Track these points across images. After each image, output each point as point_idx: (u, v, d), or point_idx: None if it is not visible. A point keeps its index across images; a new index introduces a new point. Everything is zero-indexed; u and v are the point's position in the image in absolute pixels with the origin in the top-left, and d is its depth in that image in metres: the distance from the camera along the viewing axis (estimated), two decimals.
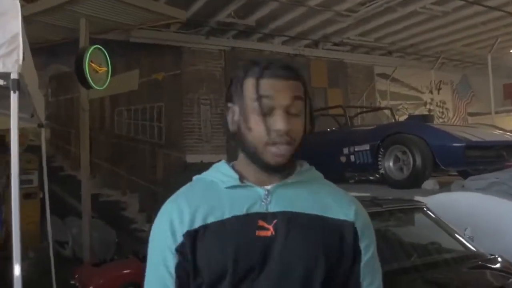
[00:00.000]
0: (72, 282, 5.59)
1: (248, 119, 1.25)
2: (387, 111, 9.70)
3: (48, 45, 8.42)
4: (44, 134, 5.82)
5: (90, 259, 6.89)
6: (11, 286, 2.69)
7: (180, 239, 1.25)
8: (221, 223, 1.24)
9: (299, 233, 1.23)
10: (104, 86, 7.19)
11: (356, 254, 1.29)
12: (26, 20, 2.77)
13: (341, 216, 1.30)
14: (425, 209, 3.74)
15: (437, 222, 3.72)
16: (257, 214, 1.25)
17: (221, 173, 1.36)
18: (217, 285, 1.20)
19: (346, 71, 12.74)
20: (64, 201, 8.57)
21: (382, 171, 6.43)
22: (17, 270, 2.66)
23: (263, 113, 1.23)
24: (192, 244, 1.23)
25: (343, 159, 7.21)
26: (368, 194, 4.74)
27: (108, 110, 9.64)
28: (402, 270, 3.01)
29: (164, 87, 10.27)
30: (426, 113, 13.40)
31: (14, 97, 2.52)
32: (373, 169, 6.79)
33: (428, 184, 5.94)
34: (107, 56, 7.17)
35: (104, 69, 7.13)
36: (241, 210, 1.26)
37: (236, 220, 1.24)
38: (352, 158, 7.03)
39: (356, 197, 1.45)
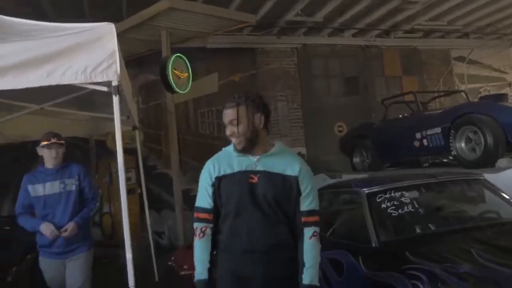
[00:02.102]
0: (170, 263, 6.30)
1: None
2: (463, 94, 9.60)
3: (136, 57, 9.35)
4: (138, 135, 6.64)
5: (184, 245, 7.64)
6: (121, 268, 3.32)
7: (213, 180, 2.49)
8: (232, 174, 2.46)
9: (269, 182, 2.41)
10: (187, 90, 7.93)
11: (299, 191, 2.42)
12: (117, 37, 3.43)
13: (291, 173, 2.42)
14: (483, 180, 3.95)
15: (496, 193, 3.93)
16: (250, 171, 2.44)
17: (229, 148, 2.53)
18: (228, 204, 2.43)
19: (421, 58, 12.63)
20: (159, 197, 9.47)
21: (454, 152, 6.52)
22: (128, 254, 3.27)
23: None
24: (218, 183, 2.48)
25: (416, 143, 7.34)
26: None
27: (192, 112, 10.46)
28: (452, 231, 3.32)
29: (242, 87, 10.88)
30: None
31: (115, 100, 3.18)
32: (446, 152, 6.87)
33: (502, 162, 5.99)
34: (187, 62, 7.90)
35: (186, 74, 7.87)
36: (242, 168, 2.45)
37: (239, 173, 2.45)
38: (425, 142, 7.16)
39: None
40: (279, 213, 2.38)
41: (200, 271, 2.44)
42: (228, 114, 2.45)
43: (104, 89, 3.22)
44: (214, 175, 2.47)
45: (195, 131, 10.44)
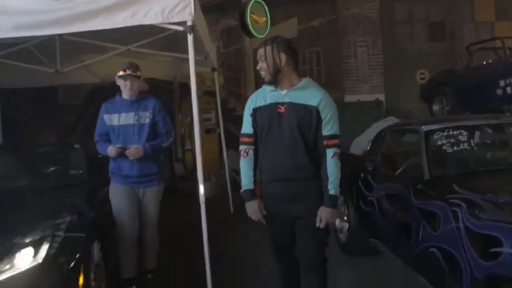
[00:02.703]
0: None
1: None
2: None
3: (218, 3, 9.66)
4: (217, 77, 7.05)
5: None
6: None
7: (251, 110, 2.96)
8: (265, 106, 2.91)
9: (293, 111, 2.83)
10: (265, 34, 8.15)
11: (319, 119, 2.80)
12: None
13: (312, 103, 2.81)
14: None
15: None
16: (279, 102, 2.87)
17: (266, 85, 2.95)
18: (262, 131, 2.91)
19: None
20: (238, 137, 9.94)
21: None
22: (201, 188, 3.70)
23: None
24: (255, 113, 2.94)
25: (499, 91, 7.10)
26: None
27: None
28: (504, 170, 3.42)
29: (321, 32, 10.91)
30: None
31: (190, 38, 3.55)
32: None
33: None
34: (266, 7, 8.09)
35: (264, 19, 8.09)
36: (273, 100, 2.89)
37: (270, 104, 2.90)
38: (509, 90, 6.91)
39: None
40: (299, 139, 2.82)
41: (246, 183, 2.98)
42: (259, 52, 2.91)
43: (180, 28, 3.59)
44: (252, 107, 2.96)
45: None
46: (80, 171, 4.64)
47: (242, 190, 3.00)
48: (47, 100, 9.78)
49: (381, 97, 11.13)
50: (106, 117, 3.93)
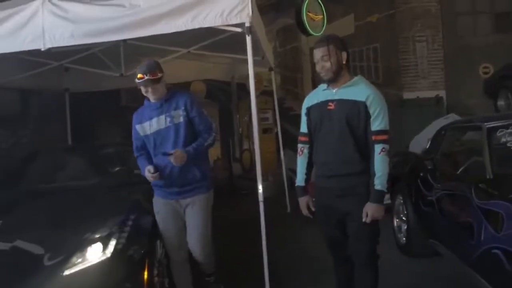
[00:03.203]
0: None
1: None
2: None
3: (274, 2, 9.74)
4: (274, 76, 7.12)
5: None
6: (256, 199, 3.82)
7: (305, 110, 3.10)
8: (317, 104, 3.03)
9: (342, 107, 2.91)
10: (321, 32, 8.16)
11: (367, 114, 2.86)
12: None
13: (360, 99, 2.87)
14: None
15: None
16: (329, 100, 2.97)
17: (322, 84, 3.05)
18: (315, 128, 3.02)
19: None
20: (295, 137, 9.99)
21: None
22: (260, 187, 3.83)
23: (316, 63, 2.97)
24: (309, 112, 3.08)
25: None
26: None
27: None
28: None
29: (378, 28, 10.73)
30: None
31: (248, 40, 3.65)
32: None
33: None
34: (322, 5, 8.08)
35: (320, 16, 8.09)
36: (324, 98, 2.99)
37: (321, 102, 3.00)
38: None
39: None
40: (348, 134, 2.88)
41: (299, 179, 3.17)
42: (320, 51, 2.90)
43: (238, 30, 3.70)
44: (306, 106, 3.10)
45: None
46: None
47: (296, 185, 3.18)
48: (112, 102, 10.25)
49: (442, 93, 10.79)
50: (138, 127, 3.52)
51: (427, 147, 4.80)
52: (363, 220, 2.82)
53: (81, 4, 3.69)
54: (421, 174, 4.40)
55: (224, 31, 4.11)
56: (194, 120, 3.47)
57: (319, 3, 8.10)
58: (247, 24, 3.60)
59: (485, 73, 10.65)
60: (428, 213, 4.14)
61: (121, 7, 3.62)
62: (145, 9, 3.61)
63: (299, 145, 3.16)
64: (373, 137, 2.84)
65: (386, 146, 2.83)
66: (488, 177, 3.32)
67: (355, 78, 2.95)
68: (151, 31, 3.65)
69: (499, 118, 3.82)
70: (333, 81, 2.91)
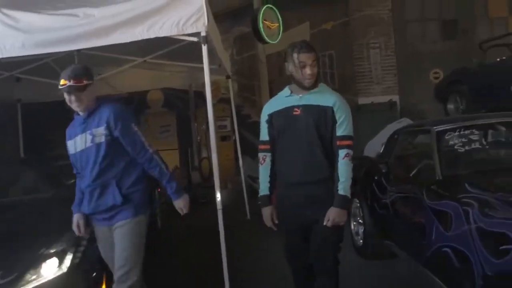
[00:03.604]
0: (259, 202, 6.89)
1: (295, 70, 2.91)
2: None
3: (231, 10, 9.79)
4: (231, 84, 7.15)
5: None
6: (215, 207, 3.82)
7: (267, 117, 3.04)
8: (281, 110, 2.98)
9: (309, 112, 2.90)
10: (277, 40, 8.27)
11: (334, 120, 2.88)
12: None
13: (327, 104, 2.89)
14: None
15: None
16: (294, 105, 2.94)
17: (284, 91, 3.05)
18: (279, 134, 2.97)
19: None
20: (253, 144, 10.06)
21: None
22: (218, 195, 3.82)
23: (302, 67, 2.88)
24: (271, 118, 3.02)
25: None
26: None
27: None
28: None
29: (333, 35, 10.96)
30: None
31: (204, 49, 3.68)
32: None
33: None
34: (278, 13, 8.20)
35: (276, 25, 8.20)
36: (289, 104, 2.96)
37: (286, 108, 2.96)
38: None
39: None
40: (316, 139, 2.88)
41: (263, 188, 3.06)
42: (312, 56, 2.89)
43: (194, 39, 3.72)
44: (267, 113, 3.04)
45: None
46: None
47: (259, 195, 3.08)
48: (65, 112, 10.01)
49: (395, 98, 11.12)
50: (68, 144, 3.10)
51: (381, 151, 4.95)
52: (324, 223, 2.82)
53: (33, 14, 3.61)
54: (376, 178, 4.53)
55: (181, 40, 4.11)
56: (121, 141, 2.95)
57: (274, 11, 8.21)
58: (202, 34, 3.64)
59: (436, 78, 11.05)
60: (383, 216, 4.27)
61: (74, 16, 3.58)
62: (99, 19, 3.58)
63: (261, 154, 3.08)
64: (338, 142, 2.86)
65: (350, 152, 2.86)
66: (438, 178, 3.46)
67: (320, 85, 2.98)
68: (106, 41, 3.62)
69: (447, 122, 3.99)
70: (312, 87, 2.91)
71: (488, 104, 7.95)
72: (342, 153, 2.85)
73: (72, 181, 4.95)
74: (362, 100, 11.00)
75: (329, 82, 11.02)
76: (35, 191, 4.75)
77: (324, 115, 2.86)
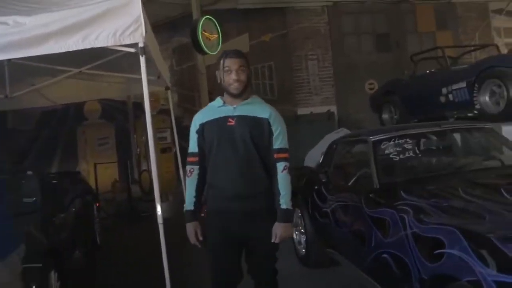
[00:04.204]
0: (202, 215, 6.82)
1: (222, 76, 2.85)
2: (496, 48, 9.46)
3: (169, 21, 9.71)
4: (171, 95, 7.06)
5: None
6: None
7: (198, 127, 2.88)
8: (213, 120, 2.85)
9: (245, 123, 2.81)
10: (217, 51, 8.26)
11: (270, 132, 2.83)
12: (149, 1, 3.76)
13: (263, 116, 2.84)
14: (489, 129, 4.17)
15: (503, 142, 4.15)
16: (228, 116, 2.83)
17: (216, 101, 2.94)
18: (211, 145, 2.82)
19: (456, 12, 12.41)
20: None
21: (478, 106, 6.59)
22: (158, 209, 3.69)
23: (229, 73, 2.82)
24: (202, 128, 2.86)
25: (442, 99, 7.41)
26: None
27: None
28: (448, 174, 3.63)
29: (272, 47, 11.14)
30: None
31: (142, 60, 3.59)
32: (471, 106, 6.92)
33: None
34: (217, 24, 8.22)
35: (215, 36, 8.20)
36: (222, 114, 2.84)
37: (219, 118, 2.83)
38: (451, 97, 7.21)
39: None
40: (253, 151, 2.79)
41: (188, 203, 2.89)
42: (238, 61, 2.82)
43: (132, 50, 3.63)
44: (198, 123, 2.89)
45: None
46: (34, 199, 4.55)
47: (184, 210, 2.91)
48: None
49: (333, 108, 11.44)
50: None
51: (320, 161, 5.05)
52: (272, 240, 2.75)
53: None
54: (316, 187, 4.61)
55: (118, 50, 4.00)
56: None
57: (213, 22, 8.22)
58: (140, 45, 3.55)
59: (371, 89, 11.48)
60: (324, 224, 4.34)
61: (3, 24, 3.38)
62: (31, 28, 3.41)
63: (188, 166, 2.92)
64: (275, 155, 2.80)
65: (288, 164, 2.81)
66: (375, 186, 3.57)
67: (253, 97, 2.91)
68: (38, 51, 3.45)
69: (383, 132, 4.13)
70: (240, 95, 2.82)
71: (420, 114, 8.34)
72: (280, 166, 2.79)
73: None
74: (301, 111, 11.23)
75: (269, 93, 11.16)
76: None
77: (261, 127, 2.81)
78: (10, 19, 3.43)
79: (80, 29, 3.46)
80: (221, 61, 2.84)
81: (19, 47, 3.42)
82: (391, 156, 3.78)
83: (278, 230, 2.76)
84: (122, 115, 10.99)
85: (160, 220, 3.68)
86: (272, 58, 11.14)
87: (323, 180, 4.46)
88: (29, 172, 4.96)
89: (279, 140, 2.82)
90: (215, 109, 2.88)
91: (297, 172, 5.75)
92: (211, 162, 2.84)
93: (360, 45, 11.89)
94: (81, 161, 10.75)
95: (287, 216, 2.80)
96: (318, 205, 4.46)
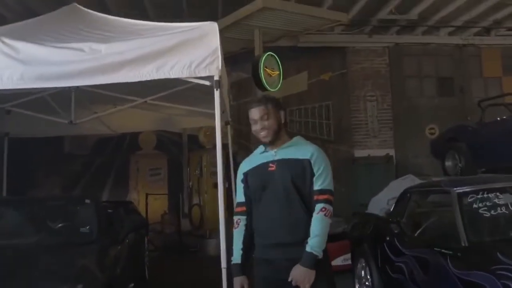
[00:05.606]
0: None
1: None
2: None
3: (229, 56, 9.70)
4: (230, 130, 6.92)
5: None
6: (208, 256, 3.45)
7: (242, 176, 2.81)
8: (255, 167, 2.76)
9: (285, 167, 2.69)
10: (277, 88, 8.12)
11: (312, 173, 2.66)
12: None
13: (304, 157, 2.69)
14: None
15: None
16: (269, 161, 2.73)
17: (259, 148, 2.84)
18: (255, 193, 2.73)
19: None
20: None
21: None
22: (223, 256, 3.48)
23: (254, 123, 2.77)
24: (246, 177, 2.79)
25: None
26: None
27: None
28: None
29: (331, 86, 10.93)
30: None
31: (216, 94, 3.43)
32: None
33: None
34: (279, 61, 8.10)
35: (277, 72, 8.07)
36: (263, 161, 2.75)
37: (261, 165, 2.75)
38: None
39: None
40: (294, 194, 2.65)
41: (235, 257, 2.74)
42: (259, 110, 2.74)
43: (207, 83, 3.49)
44: (242, 172, 2.83)
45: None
46: (90, 228, 4.40)
47: (231, 263, 2.77)
48: (53, 149, 9.68)
49: (391, 152, 11.03)
50: None
51: (391, 209, 4.69)
52: (289, 279, 2.52)
53: (35, 45, 3.37)
54: (388, 238, 4.25)
55: (185, 82, 3.86)
56: None
57: (275, 59, 8.11)
58: (216, 78, 3.41)
59: (431, 133, 11.02)
60: (397, 280, 3.95)
61: (79, 51, 3.34)
62: (106, 55, 3.35)
63: (235, 217, 2.81)
64: (315, 197, 2.63)
65: (328, 207, 2.61)
66: (463, 244, 3.20)
67: (295, 138, 2.81)
68: (112, 79, 3.37)
69: (467, 183, 3.75)
70: (273, 142, 2.73)
71: (488, 163, 7.84)
72: (318, 207, 2.61)
73: (60, 225, 4.64)
74: (358, 153, 10.87)
75: (325, 133, 10.90)
76: (17, 235, 4.34)
77: (302, 168, 2.67)
78: (86, 46, 3.38)
79: (155, 59, 3.37)
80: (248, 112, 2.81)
81: (93, 74, 3.36)
82: (480, 211, 3.40)
83: (296, 273, 2.53)
84: (176, 147, 10.97)
85: (224, 264, 3.43)
86: (330, 97, 10.92)
87: (396, 231, 4.11)
88: (87, 200, 4.85)
89: (320, 180, 2.66)
90: (257, 156, 2.82)
91: (361, 219, 5.42)
92: (255, 210, 2.76)
93: (422, 88, 11.51)
94: (131, 190, 10.74)
95: (309, 261, 2.54)
96: (390, 258, 4.09)
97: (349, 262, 5.21)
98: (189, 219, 9.60)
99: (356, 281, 4.84)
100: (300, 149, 2.73)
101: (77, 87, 4.49)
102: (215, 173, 9.17)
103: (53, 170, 10.02)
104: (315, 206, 2.62)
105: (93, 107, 6.09)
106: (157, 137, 10.56)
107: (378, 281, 4.34)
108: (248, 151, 11.34)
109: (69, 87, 4.51)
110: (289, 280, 2.53)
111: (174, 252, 8.34)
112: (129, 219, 5.60)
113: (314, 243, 2.54)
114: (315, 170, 2.66)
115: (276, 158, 2.71)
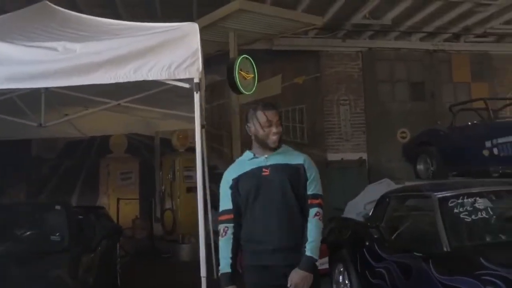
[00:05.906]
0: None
1: (260, 129, 2.72)
2: None
3: (204, 58, 9.58)
4: (204, 133, 6.80)
5: None
6: (180, 262, 3.37)
7: (231, 182, 2.74)
8: (248, 171, 2.71)
9: (280, 170, 2.71)
10: (252, 91, 8.04)
11: (306, 178, 2.71)
12: None
13: (297, 162, 2.75)
14: None
15: None
16: (262, 166, 2.72)
17: (245, 155, 2.83)
18: (248, 198, 2.67)
19: (492, 63, 12.17)
20: (219, 196, 9.66)
21: None
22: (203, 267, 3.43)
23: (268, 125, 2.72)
24: (236, 182, 2.72)
25: (485, 152, 7.06)
26: None
27: None
28: None
29: (305, 90, 10.94)
30: None
31: (197, 97, 3.33)
32: None
33: None
34: (254, 64, 8.03)
35: (251, 75, 7.99)
36: (254, 166, 2.72)
37: (253, 169, 2.72)
38: (495, 151, 6.88)
39: None
40: (292, 198, 2.69)
41: (224, 266, 2.69)
42: (276, 114, 2.77)
43: (186, 85, 3.38)
44: (231, 178, 2.75)
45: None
46: (60, 236, 4.22)
47: (219, 273, 2.71)
48: (20, 152, 9.35)
49: (364, 155, 11.11)
50: None
51: (370, 214, 4.67)
52: (288, 285, 2.56)
53: (4, 44, 3.20)
54: (367, 243, 4.22)
55: (162, 84, 3.74)
56: None
57: (250, 62, 8.03)
58: (196, 80, 3.31)
59: (403, 137, 11.15)
60: (377, 285, 3.92)
61: (53, 50, 3.18)
62: (81, 55, 3.20)
63: (222, 225, 2.74)
64: (309, 201, 2.69)
65: (321, 211, 2.69)
66: (445, 249, 3.19)
67: (283, 146, 2.82)
68: (87, 80, 3.23)
69: (447, 188, 3.76)
70: (276, 148, 2.75)
71: (460, 167, 7.95)
72: (312, 211, 2.68)
73: (28, 233, 4.43)
74: (331, 156, 10.91)
75: (299, 137, 10.90)
76: None
77: (297, 173, 2.72)
78: (59, 45, 3.24)
79: (133, 60, 3.25)
80: (259, 113, 2.74)
81: (68, 75, 3.21)
82: (461, 216, 3.40)
83: (295, 277, 2.58)
84: (148, 150, 10.76)
85: (203, 273, 3.33)
86: (303, 101, 10.93)
87: (375, 236, 4.08)
88: (57, 206, 4.66)
89: (313, 186, 2.73)
90: (245, 163, 2.78)
91: (339, 224, 5.39)
92: (248, 216, 2.71)
93: (394, 92, 11.65)
94: (102, 195, 10.46)
95: (309, 265, 2.61)
96: (370, 263, 4.06)
97: (327, 266, 5.17)
98: (161, 223, 9.43)
99: (334, 286, 4.80)
100: (291, 156, 2.78)
101: (47, 88, 4.31)
102: (189, 177, 9.17)
103: (19, 175, 9.70)
104: (309, 210, 2.69)
105: (63, 109, 5.89)
106: (128, 140, 10.33)
107: (358, 287, 4.30)
108: (220, 154, 11.26)
109: (39, 88, 4.33)
110: (288, 285, 2.55)
111: (146, 257, 8.15)
112: (101, 225, 5.43)
113: (313, 247, 2.61)
114: (308, 175, 2.72)
115: (269, 163, 2.72)
